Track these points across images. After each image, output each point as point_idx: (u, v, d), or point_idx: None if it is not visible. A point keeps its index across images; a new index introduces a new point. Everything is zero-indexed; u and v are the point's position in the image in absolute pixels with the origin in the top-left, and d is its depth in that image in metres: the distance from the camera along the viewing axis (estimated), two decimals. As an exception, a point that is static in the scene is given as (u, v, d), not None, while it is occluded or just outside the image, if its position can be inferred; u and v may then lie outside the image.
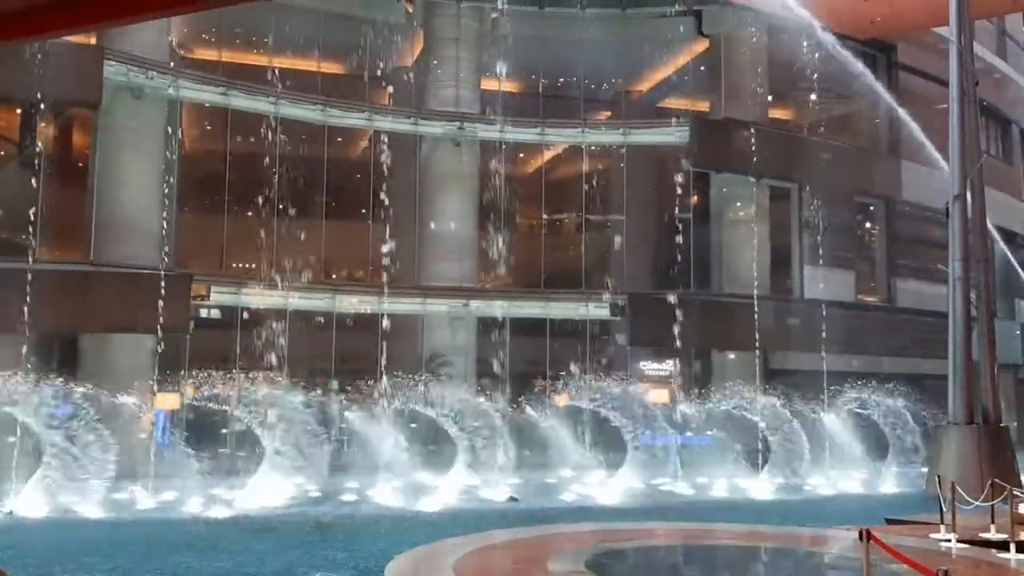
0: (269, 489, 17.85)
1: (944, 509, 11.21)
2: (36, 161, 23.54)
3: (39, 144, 24.73)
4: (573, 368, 25.46)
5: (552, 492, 19.27)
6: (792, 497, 19.24)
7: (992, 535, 10.97)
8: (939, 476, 13.19)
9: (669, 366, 32.16)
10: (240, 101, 25.02)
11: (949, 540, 10.51)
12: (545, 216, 30.62)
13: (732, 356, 28.83)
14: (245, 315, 23.97)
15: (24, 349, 19.96)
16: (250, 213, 30.02)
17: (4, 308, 20.14)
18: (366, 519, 15.34)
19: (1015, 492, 11.66)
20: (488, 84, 28.91)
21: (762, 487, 20.26)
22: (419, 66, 29.07)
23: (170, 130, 24.38)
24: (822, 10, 27.04)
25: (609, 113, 34.02)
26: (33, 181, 22.58)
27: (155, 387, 23.09)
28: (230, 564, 11.00)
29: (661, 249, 32.37)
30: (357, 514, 15.99)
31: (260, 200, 27.69)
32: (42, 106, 23.66)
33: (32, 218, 21.52)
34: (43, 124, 25.06)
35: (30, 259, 21.00)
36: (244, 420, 19.69)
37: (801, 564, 10.46)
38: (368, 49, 27.00)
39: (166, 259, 23.27)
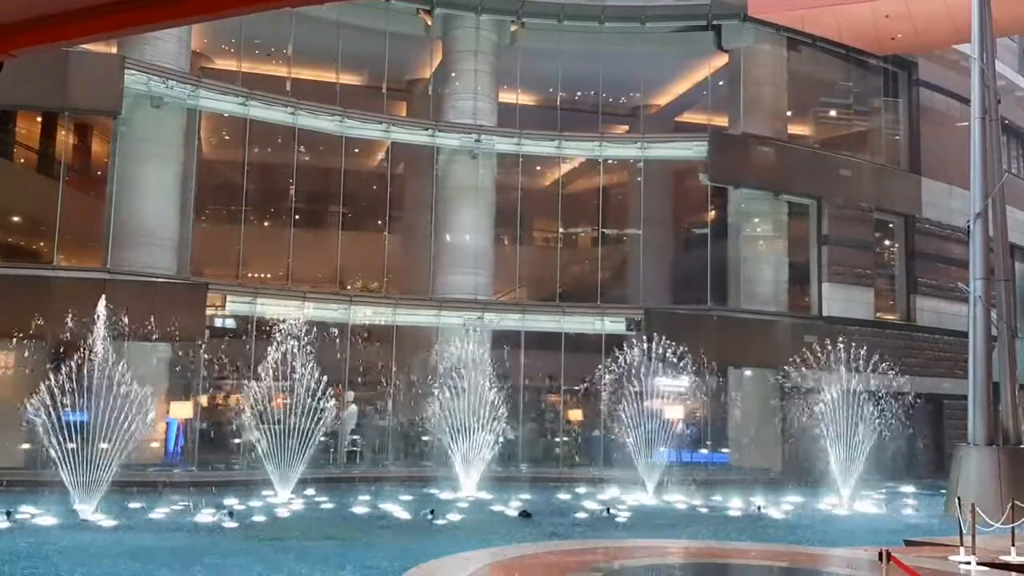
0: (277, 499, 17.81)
1: (964, 531, 11.03)
2: (55, 169, 23.72)
3: (59, 152, 24.95)
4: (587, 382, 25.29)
5: (564, 507, 19.08)
6: (808, 516, 18.97)
7: (1012, 558, 10.78)
8: (959, 498, 13.01)
9: (684, 382, 31.93)
10: (259, 111, 25.08)
11: (968, 562, 10.34)
12: (561, 229, 30.53)
13: (748, 373, 28.57)
14: (258, 325, 23.92)
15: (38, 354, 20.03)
16: (267, 223, 30.19)
17: (21, 314, 20.22)
18: (375, 531, 15.21)
19: (1036, 515, 11.46)
20: (506, 97, 28.91)
21: (778, 506, 20.00)
22: (437, 78, 29.13)
23: (188, 139, 24.49)
24: (842, 26, 26.93)
25: (627, 127, 33.99)
26: (52, 188, 22.75)
27: (168, 396, 23.13)
28: None
29: (678, 264, 32.22)
30: (366, 525, 15.86)
31: (277, 210, 27.76)
32: (62, 114, 23.87)
33: (51, 225, 21.64)
34: (63, 132, 25.28)
35: (49, 265, 21.10)
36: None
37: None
38: (387, 61, 27.10)
39: (182, 267, 23.32)
